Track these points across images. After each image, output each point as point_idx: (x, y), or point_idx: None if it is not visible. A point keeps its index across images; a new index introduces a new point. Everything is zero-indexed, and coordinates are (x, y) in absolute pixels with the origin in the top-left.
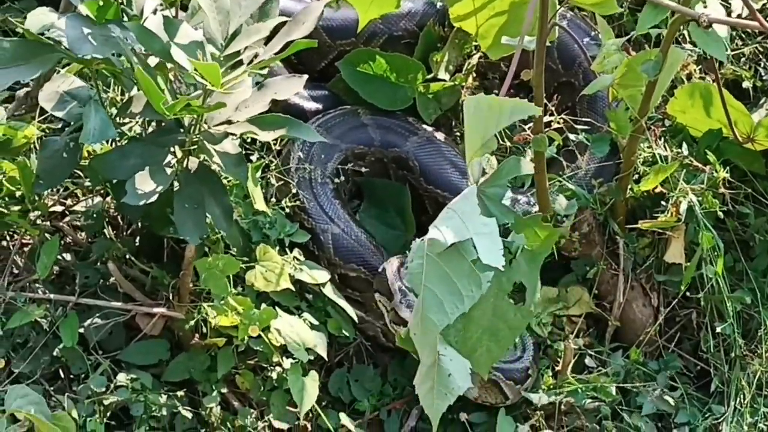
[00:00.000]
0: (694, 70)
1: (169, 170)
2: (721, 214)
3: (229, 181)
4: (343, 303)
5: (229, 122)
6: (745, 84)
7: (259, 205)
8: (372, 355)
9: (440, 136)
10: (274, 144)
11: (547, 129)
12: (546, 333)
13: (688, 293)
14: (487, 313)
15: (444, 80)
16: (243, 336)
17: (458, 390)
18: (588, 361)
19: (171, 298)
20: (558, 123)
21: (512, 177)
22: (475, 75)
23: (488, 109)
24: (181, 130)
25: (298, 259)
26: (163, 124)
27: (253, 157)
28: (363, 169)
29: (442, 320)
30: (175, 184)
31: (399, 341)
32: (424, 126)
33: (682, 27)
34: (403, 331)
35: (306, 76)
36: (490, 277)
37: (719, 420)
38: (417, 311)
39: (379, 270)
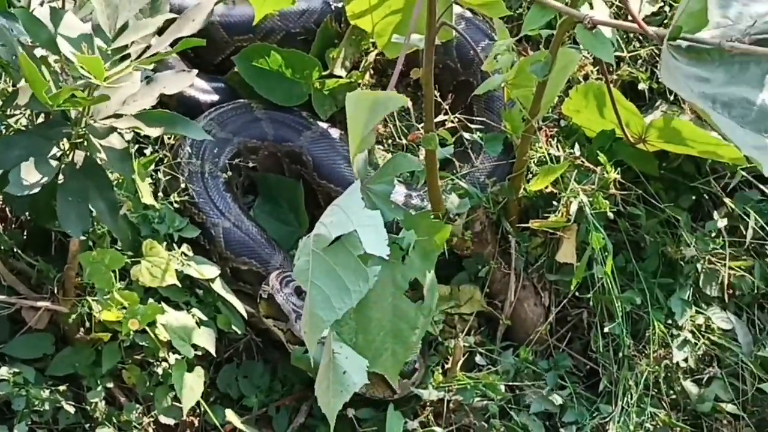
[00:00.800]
0: (591, 71)
1: (54, 162)
2: (611, 215)
3: (119, 176)
4: (232, 299)
5: (116, 116)
6: (641, 86)
7: (147, 199)
8: (262, 352)
9: (335, 132)
10: (168, 138)
11: (442, 128)
12: (437, 331)
13: (579, 293)
14: (387, 314)
15: (340, 77)
16: (126, 331)
17: (354, 387)
18: (478, 359)
19: (56, 291)
20: (452, 122)
21: (400, 174)
22: (372, 72)
23: (365, 103)
24: (68, 123)
25: (185, 255)
26: (50, 116)
27: (147, 151)
28: (252, 164)
29: (330, 315)
30: (60, 177)
31: (294, 361)
32: (319, 122)
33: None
34: (298, 350)
35: (196, 72)
36: (377, 272)
37: (606, 419)
38: (305, 308)
39: (263, 296)
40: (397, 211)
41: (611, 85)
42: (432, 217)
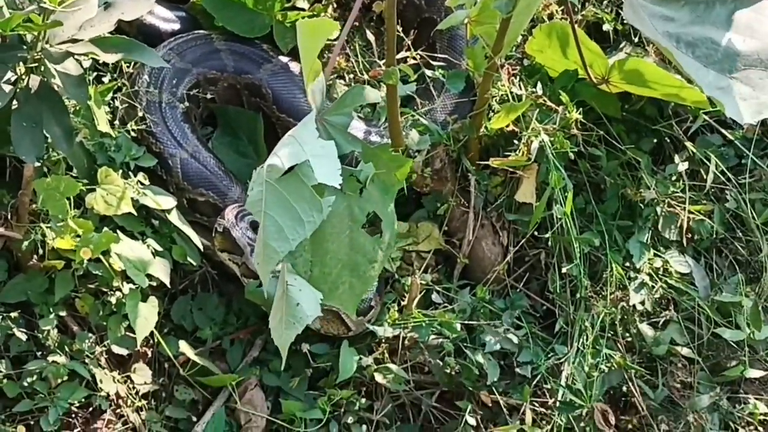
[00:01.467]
0: (556, 11)
1: (8, 87)
2: (572, 156)
3: (75, 103)
4: (188, 231)
5: (72, 41)
6: (606, 27)
7: (103, 126)
8: (218, 284)
9: (295, 66)
10: (128, 67)
11: (403, 64)
12: (394, 268)
13: (537, 233)
14: (344, 247)
15: (303, 9)
16: (79, 259)
17: (306, 319)
18: (435, 297)
19: (9, 218)
20: (414, 59)
21: (361, 110)
22: (335, 5)
23: (312, 31)
24: (24, 48)
25: (141, 183)
26: (6, 40)
27: (106, 79)
28: (211, 95)
29: (283, 247)
30: (15, 102)
31: (248, 294)
32: (280, 55)
33: None
34: (252, 283)
35: None
36: (332, 202)
37: (562, 360)
38: (259, 239)
39: (219, 229)
40: (356, 143)
41: (575, 25)
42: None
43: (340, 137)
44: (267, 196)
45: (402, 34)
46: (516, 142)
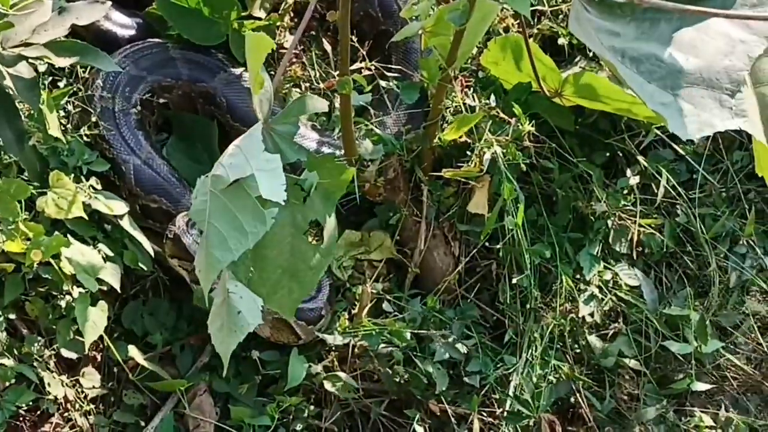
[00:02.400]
0: (512, 24)
1: None
2: (525, 168)
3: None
4: (140, 236)
5: (25, 45)
6: (561, 41)
7: (54, 131)
8: (169, 290)
9: None
10: (83, 72)
11: (357, 74)
12: (346, 276)
13: (489, 244)
14: (285, 253)
15: (259, 19)
16: (29, 262)
17: (248, 327)
18: (386, 306)
19: None
20: (369, 69)
21: (316, 119)
22: (292, 15)
23: (257, 44)
24: None
25: (93, 188)
26: None
27: (61, 84)
28: (163, 102)
29: (225, 256)
30: None
31: (196, 300)
32: (234, 66)
33: None
34: (200, 289)
35: (110, 3)
36: (275, 213)
37: (510, 370)
38: (201, 247)
39: (169, 236)
40: (301, 152)
41: (530, 39)
42: (343, 161)
43: (286, 146)
44: (211, 205)
45: (357, 45)
46: (469, 153)
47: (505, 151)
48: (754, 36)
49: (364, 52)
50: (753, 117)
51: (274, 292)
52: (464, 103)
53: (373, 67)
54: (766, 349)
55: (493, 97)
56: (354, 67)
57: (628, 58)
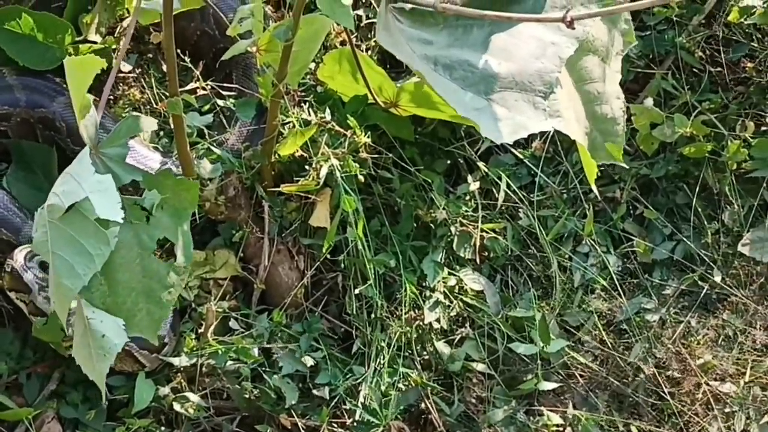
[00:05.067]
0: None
1: None
2: (364, 179)
3: None
4: None
5: None
6: None
7: None
8: (14, 318)
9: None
10: None
11: (188, 94)
12: (192, 296)
13: (335, 257)
14: (137, 275)
15: (95, 42)
16: None
17: (115, 348)
18: (233, 323)
19: None
20: (204, 89)
21: (158, 141)
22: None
23: (78, 68)
24: None
25: None
26: None
27: None
28: (2, 130)
29: (75, 283)
30: None
31: (35, 332)
32: None
33: None
34: (39, 321)
35: None
36: (117, 233)
37: (359, 380)
38: (51, 279)
39: (7, 269)
40: (135, 173)
41: (367, 51)
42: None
43: (118, 168)
44: (52, 235)
45: (190, 65)
46: (307, 167)
47: (342, 163)
48: (564, 37)
49: (201, 72)
50: (568, 117)
51: (133, 316)
52: (301, 118)
53: (209, 86)
54: (610, 346)
55: (328, 110)
56: (190, 86)
57: (441, 65)
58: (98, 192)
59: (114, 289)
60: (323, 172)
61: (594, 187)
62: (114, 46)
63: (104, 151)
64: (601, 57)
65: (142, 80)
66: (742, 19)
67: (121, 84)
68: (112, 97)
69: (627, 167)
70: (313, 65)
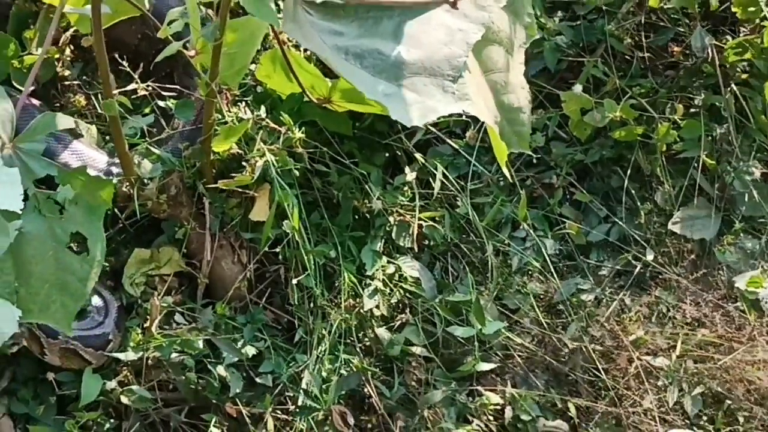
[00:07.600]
0: (289, 39)
1: None
2: (302, 173)
3: None
4: None
5: None
6: None
7: None
8: None
9: (35, 103)
10: None
11: (126, 95)
12: (138, 293)
13: (277, 250)
14: (50, 267)
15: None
16: None
17: (3, 336)
18: (178, 317)
19: None
20: (145, 90)
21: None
22: (73, 47)
23: None
24: None
25: None
26: None
27: None
28: None
29: None
30: None
31: None
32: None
33: None
34: None
35: None
36: (19, 225)
37: (302, 368)
38: None
39: None
40: (50, 168)
41: (292, 50)
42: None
43: (33, 162)
44: None
45: (128, 68)
46: (245, 164)
47: (277, 159)
48: (471, 24)
49: (144, 74)
50: (476, 100)
51: (46, 308)
52: (237, 117)
53: (150, 88)
54: (546, 327)
55: (263, 108)
56: (130, 87)
57: (352, 54)
58: (2, 183)
59: (27, 280)
60: (258, 166)
61: (505, 169)
62: (57, 56)
63: (20, 145)
64: (505, 48)
65: (86, 87)
66: (662, 4)
67: (66, 92)
68: (58, 104)
69: (562, 155)
70: (254, 66)
